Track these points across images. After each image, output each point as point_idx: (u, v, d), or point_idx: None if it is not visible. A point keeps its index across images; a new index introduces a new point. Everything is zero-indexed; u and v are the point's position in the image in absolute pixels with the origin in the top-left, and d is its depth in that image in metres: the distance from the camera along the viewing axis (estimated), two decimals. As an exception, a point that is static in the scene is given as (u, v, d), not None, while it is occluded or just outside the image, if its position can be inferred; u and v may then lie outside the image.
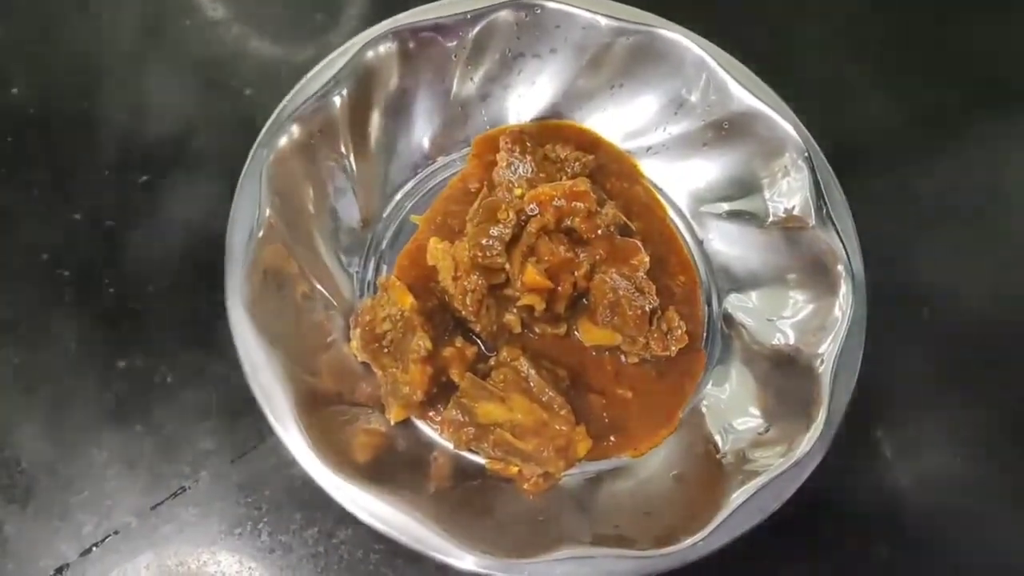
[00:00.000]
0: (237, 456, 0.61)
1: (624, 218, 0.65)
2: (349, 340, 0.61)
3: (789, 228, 0.64)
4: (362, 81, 0.64)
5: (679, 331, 0.61)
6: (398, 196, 0.69)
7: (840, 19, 0.88)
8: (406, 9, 0.68)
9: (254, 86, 0.74)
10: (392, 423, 0.58)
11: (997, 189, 0.80)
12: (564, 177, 0.65)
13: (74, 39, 0.76)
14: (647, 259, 0.63)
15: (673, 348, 0.61)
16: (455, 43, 0.67)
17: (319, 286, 0.62)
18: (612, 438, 0.61)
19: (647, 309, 0.61)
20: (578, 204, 0.62)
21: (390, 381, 0.58)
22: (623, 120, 0.72)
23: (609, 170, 0.71)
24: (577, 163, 0.67)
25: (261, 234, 0.58)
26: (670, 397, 0.64)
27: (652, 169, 0.72)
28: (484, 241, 0.60)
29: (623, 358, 0.64)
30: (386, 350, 0.59)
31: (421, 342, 0.56)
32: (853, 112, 0.82)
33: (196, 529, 0.59)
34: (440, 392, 0.59)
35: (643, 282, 0.62)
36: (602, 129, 0.73)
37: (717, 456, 0.59)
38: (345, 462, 0.53)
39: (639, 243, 0.63)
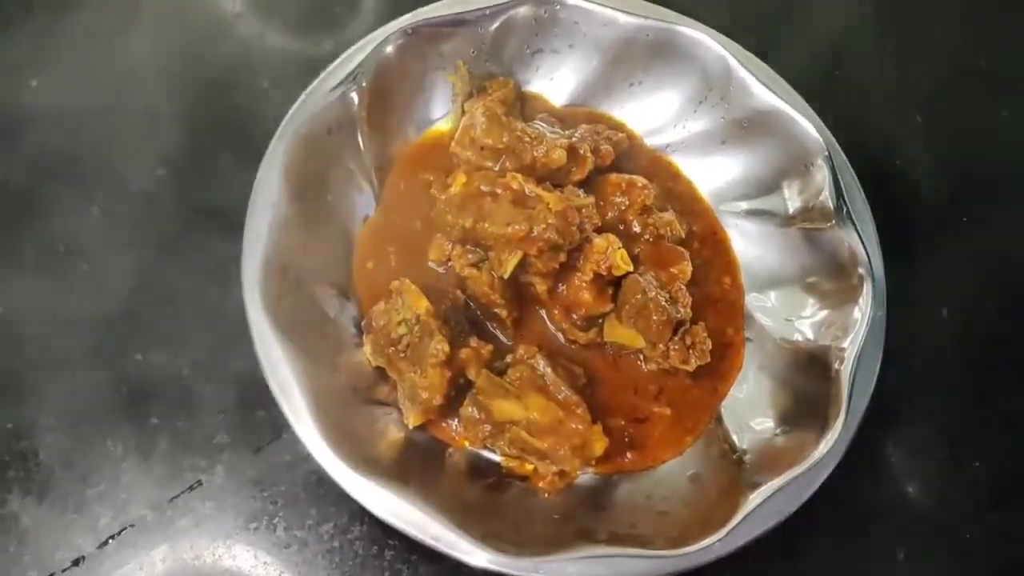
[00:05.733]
0: (253, 450, 0.61)
1: (681, 231, 0.65)
2: (361, 346, 0.60)
3: (809, 228, 0.63)
4: (380, 76, 0.64)
5: (702, 347, 0.61)
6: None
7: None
8: (424, 4, 0.67)
9: (272, 79, 0.74)
10: (411, 428, 0.58)
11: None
12: (542, 153, 0.63)
13: (91, 33, 0.76)
14: (689, 269, 0.63)
15: (693, 363, 0.60)
16: (474, 39, 0.67)
17: (337, 281, 0.62)
18: (629, 455, 0.61)
19: (673, 318, 0.60)
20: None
21: (407, 386, 0.58)
22: (642, 117, 0.71)
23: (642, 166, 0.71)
24: (606, 142, 0.66)
25: (279, 229, 0.58)
26: (700, 403, 0.63)
27: (671, 167, 0.72)
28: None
29: (642, 364, 0.64)
30: (402, 355, 0.58)
31: (439, 346, 0.56)
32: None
33: (212, 523, 0.59)
34: (456, 393, 0.59)
35: (679, 292, 0.61)
36: (621, 126, 0.72)
37: (734, 457, 0.59)
38: (361, 458, 0.53)
39: (685, 252, 0.64)
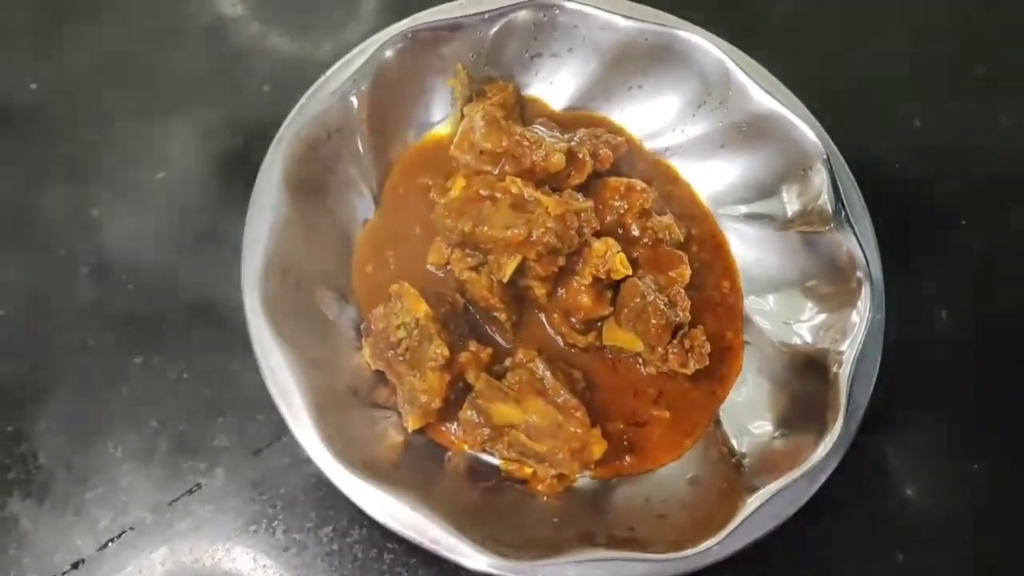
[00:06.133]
0: (252, 453, 0.61)
1: (680, 234, 0.65)
2: (360, 349, 0.61)
3: (807, 232, 0.63)
4: (380, 80, 0.64)
5: (701, 351, 0.61)
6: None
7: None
8: (424, 8, 0.68)
9: (272, 83, 0.74)
10: (410, 431, 0.58)
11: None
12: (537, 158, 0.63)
13: (93, 36, 0.76)
14: (688, 273, 0.63)
15: (692, 366, 0.60)
16: (473, 43, 0.67)
17: (336, 284, 0.62)
18: (628, 458, 0.61)
19: (672, 322, 0.60)
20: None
21: (407, 389, 0.58)
22: (641, 121, 0.71)
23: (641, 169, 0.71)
24: (605, 146, 0.66)
25: (278, 232, 0.58)
26: (699, 407, 0.63)
27: (670, 171, 0.72)
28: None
29: (641, 367, 0.64)
30: (402, 358, 0.58)
31: (439, 350, 0.56)
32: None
33: (211, 525, 0.59)
34: (456, 397, 0.59)
35: (677, 296, 0.62)
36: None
37: (732, 460, 0.59)
38: (360, 461, 0.53)
39: (684, 256, 0.64)
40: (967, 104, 0.83)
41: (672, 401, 0.63)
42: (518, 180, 0.60)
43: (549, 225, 0.58)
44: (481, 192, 0.61)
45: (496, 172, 0.62)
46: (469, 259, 0.62)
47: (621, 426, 0.62)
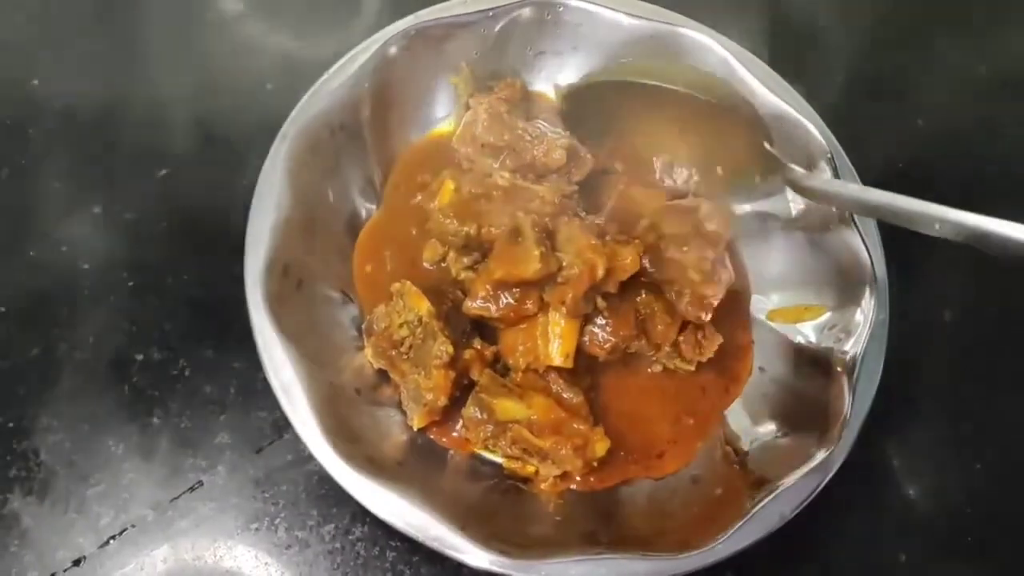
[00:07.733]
0: (254, 451, 0.61)
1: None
2: (363, 348, 0.60)
3: (811, 230, 0.63)
4: (383, 77, 0.64)
5: (712, 339, 0.61)
6: (419, 193, 0.69)
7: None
8: (428, 5, 0.68)
9: (275, 81, 0.74)
10: (415, 430, 0.58)
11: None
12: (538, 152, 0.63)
13: (96, 34, 0.76)
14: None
15: (708, 353, 0.60)
16: (477, 41, 0.66)
17: (339, 283, 0.62)
18: (635, 468, 0.61)
19: (679, 323, 0.60)
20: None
21: (411, 387, 0.58)
22: (644, 119, 0.71)
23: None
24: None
25: (281, 230, 0.58)
26: (712, 408, 0.63)
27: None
28: None
29: (650, 366, 0.64)
30: (405, 356, 0.58)
31: (443, 347, 0.56)
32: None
33: (213, 523, 0.59)
34: (460, 394, 0.58)
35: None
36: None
37: (736, 459, 0.59)
38: (363, 458, 0.53)
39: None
40: (969, 104, 0.83)
41: (687, 405, 0.63)
42: (504, 174, 0.60)
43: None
44: (473, 191, 0.60)
45: (496, 166, 0.62)
46: (465, 259, 0.62)
47: (633, 466, 0.61)
